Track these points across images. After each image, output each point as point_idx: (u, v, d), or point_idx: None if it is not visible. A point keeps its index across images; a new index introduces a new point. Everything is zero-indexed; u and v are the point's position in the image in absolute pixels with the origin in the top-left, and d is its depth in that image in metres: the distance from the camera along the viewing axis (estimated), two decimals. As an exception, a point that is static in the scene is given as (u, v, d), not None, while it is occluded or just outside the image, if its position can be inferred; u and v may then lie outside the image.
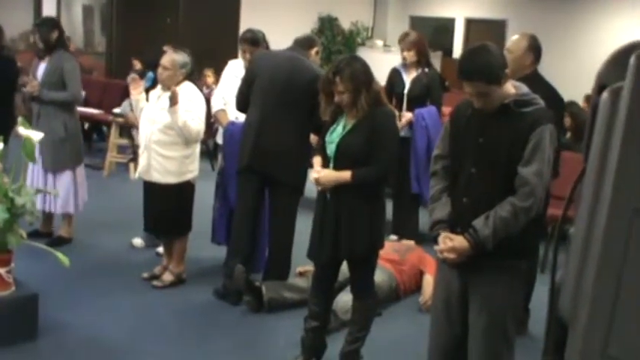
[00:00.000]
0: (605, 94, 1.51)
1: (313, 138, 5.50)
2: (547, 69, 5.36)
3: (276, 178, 5.42)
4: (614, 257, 1.43)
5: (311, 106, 5.04)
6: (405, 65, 7.05)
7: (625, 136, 1.44)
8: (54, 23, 6.58)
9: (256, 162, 5.39)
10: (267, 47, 6.03)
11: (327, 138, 4.28)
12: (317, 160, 4.35)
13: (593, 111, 1.60)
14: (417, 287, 5.95)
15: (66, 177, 6.43)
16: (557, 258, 1.79)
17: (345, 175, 4.14)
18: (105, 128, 11.44)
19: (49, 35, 6.34)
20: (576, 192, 1.66)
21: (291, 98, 5.32)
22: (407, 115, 6.92)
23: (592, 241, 1.48)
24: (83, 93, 11.33)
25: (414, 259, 6.07)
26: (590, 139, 1.58)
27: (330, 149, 4.24)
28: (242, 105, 5.56)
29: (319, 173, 4.24)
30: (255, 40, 5.98)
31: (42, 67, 6.39)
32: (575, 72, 11.66)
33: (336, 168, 4.20)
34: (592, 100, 1.68)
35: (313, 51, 5.62)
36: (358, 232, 4.19)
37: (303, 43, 5.63)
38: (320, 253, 4.35)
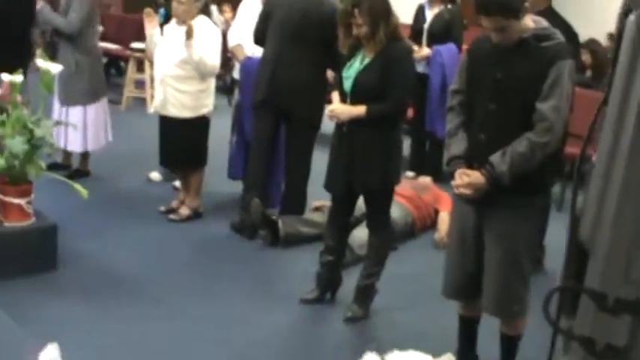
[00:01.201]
0: (631, 17, 1.48)
1: (330, 74, 5.48)
2: (571, 5, 5.28)
3: (292, 112, 5.43)
4: (637, 181, 1.41)
5: (328, 41, 5.02)
6: (430, 1, 6.98)
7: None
8: None
9: (272, 96, 5.39)
10: None
11: (344, 73, 4.26)
12: (335, 95, 4.35)
13: (619, 37, 1.57)
14: (433, 224, 5.98)
15: (77, 113, 6.42)
16: (577, 194, 1.78)
17: (360, 109, 4.14)
18: (122, 63, 11.42)
19: None
20: (594, 131, 1.65)
21: (308, 33, 5.29)
22: (425, 51, 6.86)
23: (614, 166, 1.46)
24: (101, 28, 11.32)
25: (429, 197, 6.08)
26: (615, 69, 1.55)
27: (347, 84, 4.23)
28: (259, 40, 5.54)
29: (334, 107, 4.24)
30: None
31: None
32: (599, 9, 11.47)
33: (353, 103, 4.19)
34: (617, 25, 1.65)
35: None
36: (372, 165, 4.21)
37: None
38: (335, 187, 4.38)
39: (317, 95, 5.44)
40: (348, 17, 4.13)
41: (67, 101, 6.37)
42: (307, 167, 5.62)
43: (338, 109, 4.23)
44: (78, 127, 6.18)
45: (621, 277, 1.45)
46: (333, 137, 4.39)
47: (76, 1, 6.27)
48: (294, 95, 5.36)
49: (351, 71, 4.22)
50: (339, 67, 4.41)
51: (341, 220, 4.53)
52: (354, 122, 4.18)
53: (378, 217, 4.43)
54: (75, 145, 6.50)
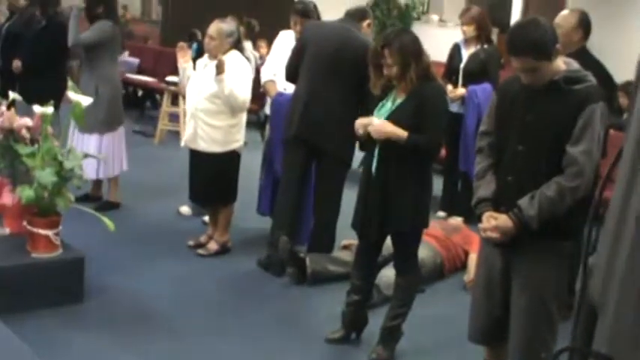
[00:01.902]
0: None
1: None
2: (606, 47, 5.22)
3: (323, 149, 5.41)
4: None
5: (360, 78, 5.00)
6: (466, 40, 6.97)
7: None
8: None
9: (304, 132, 5.37)
10: (319, 19, 5.99)
11: (376, 113, 4.21)
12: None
13: (638, 82, 1.53)
14: (462, 265, 5.90)
15: (93, 140, 6.47)
16: (590, 241, 1.73)
17: (402, 132, 4.03)
18: (158, 96, 11.53)
19: (95, 9, 6.45)
20: (614, 173, 1.60)
21: (340, 69, 5.29)
22: (460, 91, 6.83)
23: (625, 223, 1.42)
24: (137, 60, 11.46)
25: (459, 238, 6.01)
26: (631, 117, 1.51)
27: None
28: (292, 76, 5.55)
29: (375, 120, 4.13)
30: (306, 11, 5.94)
31: None
32: (635, 51, 11.36)
33: (384, 144, 4.11)
34: (636, 73, 1.62)
35: (365, 23, 5.57)
36: (404, 208, 4.15)
37: (355, 15, 5.58)
38: (365, 229, 4.31)
39: (348, 132, 5.39)
40: (378, 58, 4.10)
41: (85, 128, 6.38)
42: (337, 204, 5.58)
43: (380, 123, 4.10)
44: (104, 158, 6.26)
45: (630, 342, 1.40)
46: (362, 177, 4.34)
47: (95, 27, 6.42)
48: (325, 131, 5.35)
49: (383, 111, 4.18)
50: (368, 104, 4.38)
51: (368, 260, 4.48)
52: (388, 152, 4.10)
53: (405, 258, 4.37)
54: (90, 173, 6.53)
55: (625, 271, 1.40)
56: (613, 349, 1.44)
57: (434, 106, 4.14)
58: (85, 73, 6.52)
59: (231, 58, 5.54)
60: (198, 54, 6.68)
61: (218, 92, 5.49)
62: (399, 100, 4.15)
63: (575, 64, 3.33)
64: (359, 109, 5.26)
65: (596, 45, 5.03)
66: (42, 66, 6.73)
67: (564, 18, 4.98)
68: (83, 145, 6.39)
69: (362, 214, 4.30)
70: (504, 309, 3.46)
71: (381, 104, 4.21)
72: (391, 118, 4.12)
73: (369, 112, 5.03)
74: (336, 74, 5.31)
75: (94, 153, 6.37)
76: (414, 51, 4.06)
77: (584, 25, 4.97)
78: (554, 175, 3.23)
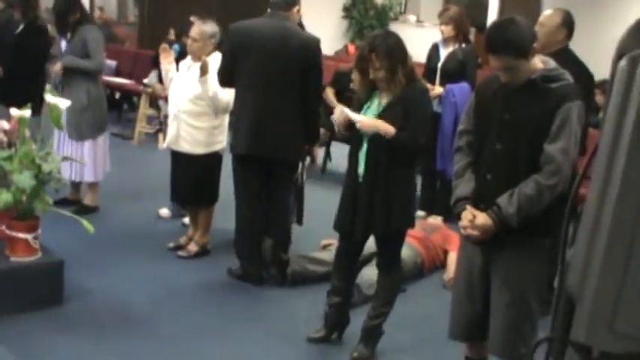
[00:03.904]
0: (622, 61, 1.48)
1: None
2: (582, 45, 5.26)
3: (277, 161, 5.29)
4: (624, 233, 1.39)
5: (304, 76, 5.06)
6: (444, 40, 7.00)
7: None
8: (71, 5, 6.44)
9: (254, 149, 5.19)
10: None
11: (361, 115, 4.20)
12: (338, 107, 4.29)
13: (612, 81, 1.56)
14: (442, 264, 5.94)
15: (87, 146, 6.47)
16: (567, 235, 1.77)
17: (390, 127, 4.03)
18: (135, 98, 11.50)
19: (67, 19, 6.40)
20: (590, 169, 1.63)
21: (284, 72, 5.10)
22: (437, 90, 6.86)
23: (602, 215, 1.44)
24: (114, 63, 11.42)
25: (439, 238, 6.05)
26: (605, 115, 1.54)
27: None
28: (226, 82, 5.30)
29: (362, 118, 4.11)
30: None
31: (64, 43, 6.52)
32: (612, 50, 11.46)
33: (372, 146, 4.10)
34: (611, 69, 1.64)
35: (295, 9, 5.34)
36: (393, 208, 4.15)
37: (282, 4, 5.26)
38: (350, 229, 4.28)
39: (299, 137, 5.31)
40: (365, 62, 4.07)
41: (78, 135, 6.40)
42: (289, 205, 5.60)
43: (367, 120, 4.10)
44: (86, 163, 6.21)
45: (607, 330, 1.43)
46: (346, 179, 4.31)
47: (92, 41, 6.34)
48: (278, 144, 5.19)
49: (369, 113, 4.17)
50: (312, 103, 4.71)
51: (350, 261, 4.48)
52: (374, 150, 4.08)
53: (390, 258, 4.38)
54: (88, 176, 6.55)
55: (602, 264, 1.43)
56: (590, 337, 1.47)
57: (421, 107, 4.15)
58: (76, 80, 6.38)
59: (215, 59, 5.53)
60: (180, 55, 6.65)
61: (201, 94, 5.47)
62: (384, 102, 4.14)
63: (552, 63, 3.36)
64: (305, 106, 5.20)
65: (572, 43, 5.07)
66: (22, 71, 6.68)
67: (548, 17, 5.02)
68: (77, 152, 6.39)
69: (347, 215, 4.27)
70: (485, 306, 3.49)
71: (365, 107, 4.20)
72: (380, 119, 4.10)
73: (313, 112, 5.19)
74: (280, 77, 5.11)
75: (91, 158, 6.39)
76: (400, 54, 4.06)
77: (568, 24, 5.00)
78: (532, 173, 3.26)
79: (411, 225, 4.34)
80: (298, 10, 5.41)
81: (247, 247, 5.43)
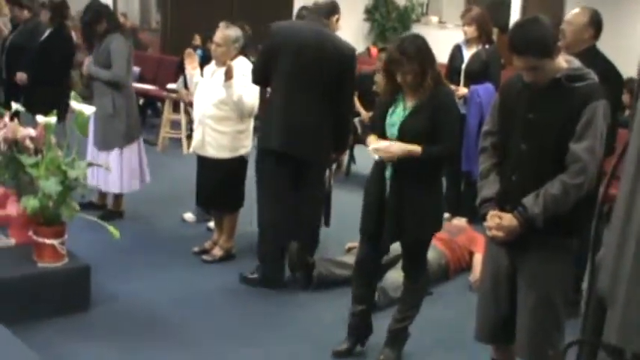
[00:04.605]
0: None
1: (365, 114, 5.45)
2: (607, 44, 5.20)
3: (307, 161, 5.27)
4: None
5: (339, 83, 5.07)
6: (467, 41, 6.98)
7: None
8: (98, 15, 6.42)
9: (285, 146, 5.18)
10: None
11: (388, 120, 4.13)
12: (373, 138, 4.19)
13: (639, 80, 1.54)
14: (467, 266, 5.91)
15: (114, 155, 6.41)
16: (599, 237, 1.74)
17: (416, 147, 3.99)
18: (159, 104, 11.54)
19: (94, 29, 6.37)
20: (620, 169, 1.61)
21: (320, 76, 5.13)
22: (462, 91, 6.84)
23: (632, 218, 1.42)
24: (138, 69, 11.48)
25: (464, 239, 6.02)
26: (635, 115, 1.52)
27: (392, 132, 4.09)
28: (260, 79, 5.34)
29: (386, 144, 4.06)
30: None
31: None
32: (637, 49, 11.36)
33: (399, 160, 4.06)
34: (638, 69, 1.63)
35: (334, 18, 5.34)
36: (424, 215, 4.12)
37: (323, 11, 5.30)
38: (378, 234, 4.22)
39: (329, 140, 5.33)
40: (394, 65, 4.01)
41: (105, 145, 6.37)
42: (322, 208, 5.61)
43: (392, 146, 4.04)
44: (111, 170, 6.20)
45: (638, 333, 1.40)
46: (371, 184, 4.25)
47: (114, 51, 6.30)
48: (309, 145, 5.20)
49: (395, 117, 4.12)
50: (345, 109, 4.73)
51: (372, 267, 4.42)
52: (403, 163, 4.03)
53: (416, 263, 4.34)
54: (113, 187, 6.51)
55: (633, 265, 1.40)
56: (623, 339, 1.45)
57: (449, 111, 4.11)
58: (100, 88, 6.36)
59: (239, 63, 5.54)
60: (204, 60, 6.66)
61: (226, 98, 5.49)
62: (410, 105, 4.08)
63: (576, 62, 3.33)
64: (336, 114, 5.23)
65: (597, 42, 5.02)
66: (47, 77, 6.72)
67: (575, 16, 4.97)
68: (105, 159, 6.32)
69: (374, 220, 4.20)
70: (511, 307, 3.46)
71: (390, 110, 4.15)
72: (406, 122, 4.05)
73: (344, 119, 5.22)
74: (316, 81, 5.13)
75: (117, 168, 6.35)
76: (429, 58, 4.03)
77: (595, 23, 4.95)
78: (558, 173, 3.23)
79: (439, 230, 4.32)
80: (337, 19, 5.38)
81: (270, 250, 5.41)
